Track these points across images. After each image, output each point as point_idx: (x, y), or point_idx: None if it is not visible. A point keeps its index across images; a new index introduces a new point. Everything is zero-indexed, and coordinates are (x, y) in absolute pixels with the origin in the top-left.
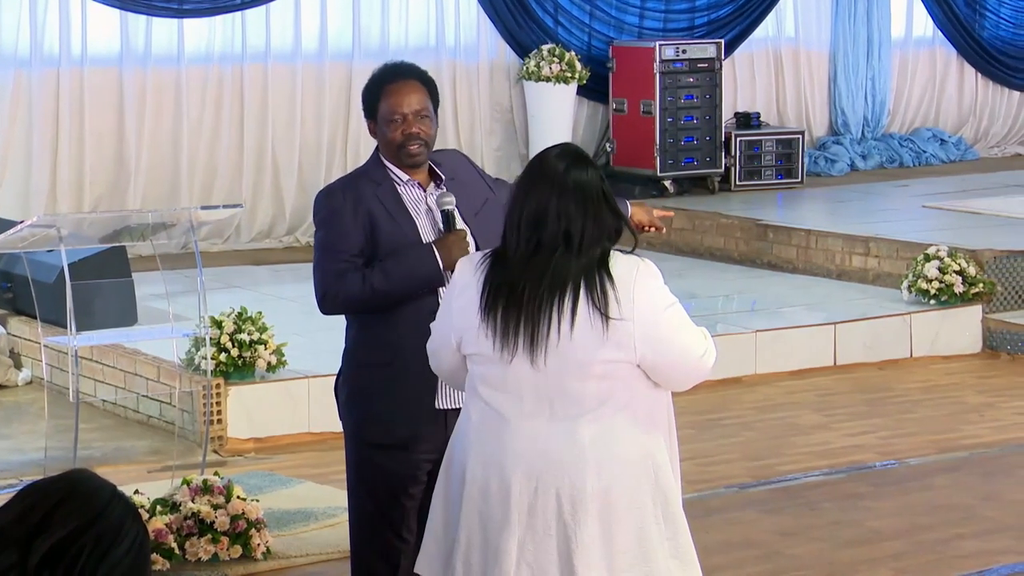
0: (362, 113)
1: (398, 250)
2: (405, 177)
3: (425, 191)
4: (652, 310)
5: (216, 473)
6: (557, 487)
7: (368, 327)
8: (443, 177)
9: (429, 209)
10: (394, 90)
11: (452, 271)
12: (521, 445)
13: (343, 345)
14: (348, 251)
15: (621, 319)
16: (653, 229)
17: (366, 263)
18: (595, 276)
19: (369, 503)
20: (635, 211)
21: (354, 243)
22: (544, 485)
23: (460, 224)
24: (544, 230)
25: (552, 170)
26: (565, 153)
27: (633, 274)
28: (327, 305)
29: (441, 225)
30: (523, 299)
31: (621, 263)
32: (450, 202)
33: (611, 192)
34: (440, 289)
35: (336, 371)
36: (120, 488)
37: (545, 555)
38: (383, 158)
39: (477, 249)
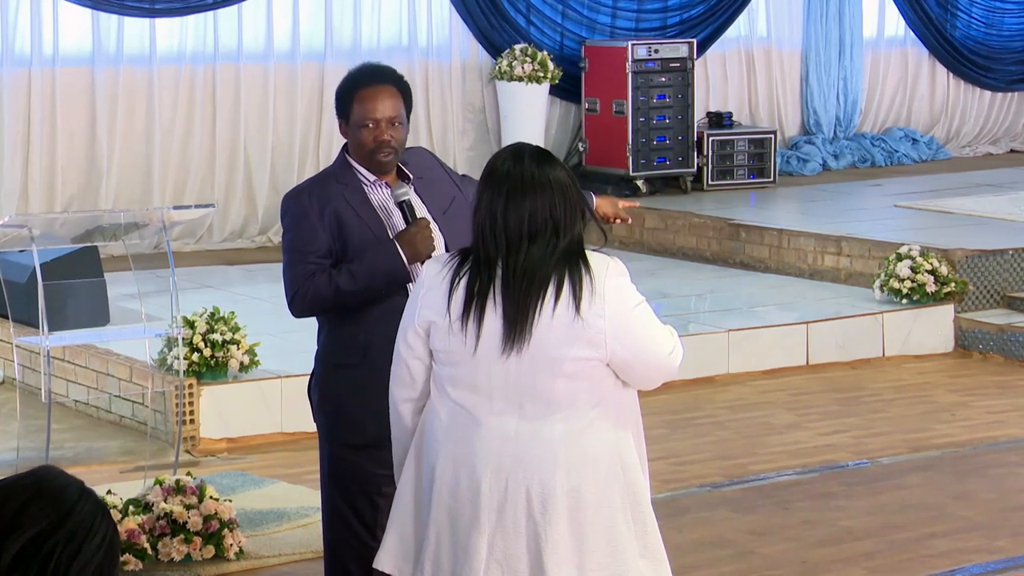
0: (335, 113)
1: (365, 250)
2: (372, 178)
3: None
4: (623, 308)
5: (189, 473)
6: (527, 486)
7: (338, 328)
8: (411, 176)
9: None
10: (368, 95)
11: (419, 262)
12: (491, 444)
13: (315, 346)
14: (316, 252)
15: (593, 317)
16: (619, 221)
17: (335, 264)
18: (575, 274)
19: (342, 503)
20: (600, 203)
21: (321, 244)
22: (514, 484)
23: (421, 212)
24: (534, 234)
25: (528, 172)
26: (531, 153)
27: (603, 272)
28: (297, 307)
29: (403, 219)
30: (503, 295)
31: (591, 261)
32: (404, 193)
33: (578, 184)
34: (409, 285)
35: (309, 371)
36: (92, 488)
37: (515, 553)
38: (350, 159)
39: (445, 247)
